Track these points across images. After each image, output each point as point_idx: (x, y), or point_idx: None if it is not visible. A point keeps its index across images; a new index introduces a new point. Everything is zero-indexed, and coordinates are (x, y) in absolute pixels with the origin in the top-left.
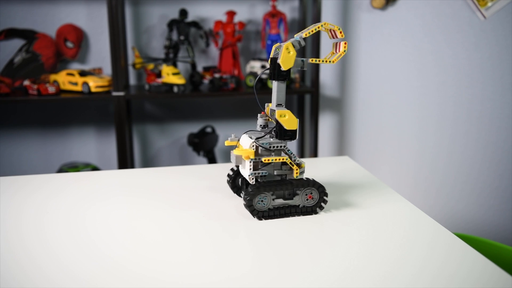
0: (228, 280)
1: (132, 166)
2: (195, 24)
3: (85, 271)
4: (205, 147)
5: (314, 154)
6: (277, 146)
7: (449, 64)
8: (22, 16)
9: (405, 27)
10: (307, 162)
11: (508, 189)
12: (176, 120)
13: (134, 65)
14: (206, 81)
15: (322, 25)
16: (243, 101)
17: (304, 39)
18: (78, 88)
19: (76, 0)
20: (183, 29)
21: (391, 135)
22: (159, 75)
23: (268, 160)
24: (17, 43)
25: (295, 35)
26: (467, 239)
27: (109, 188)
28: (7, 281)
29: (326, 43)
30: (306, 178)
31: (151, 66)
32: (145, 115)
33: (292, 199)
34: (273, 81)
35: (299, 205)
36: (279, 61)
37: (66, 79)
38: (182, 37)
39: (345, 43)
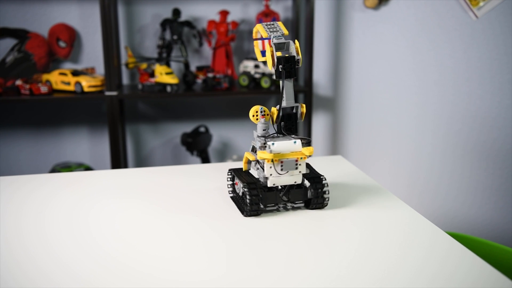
0: (224, 277)
1: (125, 166)
2: (188, 23)
3: (82, 269)
4: (198, 147)
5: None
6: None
7: (442, 63)
8: (14, 15)
9: (398, 27)
10: None
11: (503, 188)
12: (169, 120)
13: (127, 64)
14: (199, 81)
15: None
16: (237, 101)
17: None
18: (71, 87)
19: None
20: (176, 28)
21: (384, 134)
22: (152, 74)
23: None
24: (9, 42)
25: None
26: (462, 238)
27: (102, 188)
28: (6, 281)
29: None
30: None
31: (144, 65)
32: (138, 114)
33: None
34: (285, 80)
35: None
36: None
37: (59, 79)
38: (175, 37)
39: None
